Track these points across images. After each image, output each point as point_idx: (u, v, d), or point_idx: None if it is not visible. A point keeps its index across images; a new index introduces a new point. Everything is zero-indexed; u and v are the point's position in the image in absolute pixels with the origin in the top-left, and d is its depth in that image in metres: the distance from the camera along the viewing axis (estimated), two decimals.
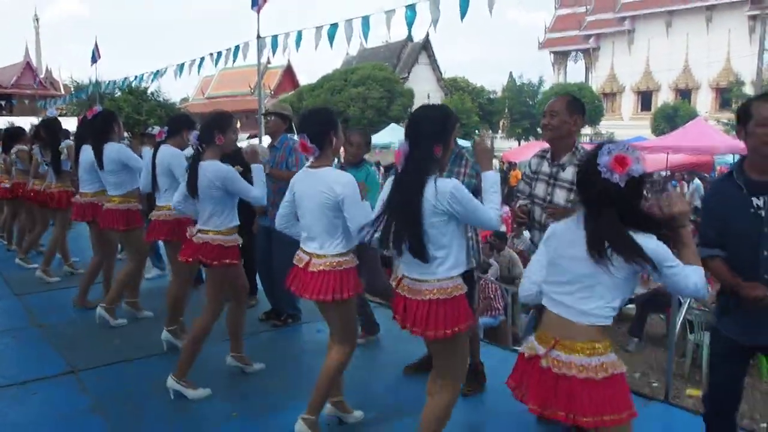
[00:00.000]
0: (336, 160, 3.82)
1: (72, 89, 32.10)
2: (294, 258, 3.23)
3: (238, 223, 3.82)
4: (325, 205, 3.01)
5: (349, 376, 3.40)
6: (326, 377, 3.11)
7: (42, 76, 39.40)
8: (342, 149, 4.12)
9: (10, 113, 32.59)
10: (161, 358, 4.38)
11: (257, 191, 3.73)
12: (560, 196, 3.15)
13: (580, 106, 3.23)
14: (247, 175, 3.81)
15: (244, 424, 3.44)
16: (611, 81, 40.41)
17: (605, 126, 34.00)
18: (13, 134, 7.99)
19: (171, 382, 3.68)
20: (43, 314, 5.36)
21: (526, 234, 7.91)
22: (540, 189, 3.25)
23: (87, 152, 5.13)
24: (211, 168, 3.61)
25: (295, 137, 3.93)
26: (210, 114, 3.88)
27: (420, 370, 3.86)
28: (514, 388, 2.37)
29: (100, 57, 15.89)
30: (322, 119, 3.16)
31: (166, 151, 4.40)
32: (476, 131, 35.82)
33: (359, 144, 4.45)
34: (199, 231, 3.72)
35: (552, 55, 44.15)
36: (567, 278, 2.27)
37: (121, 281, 4.99)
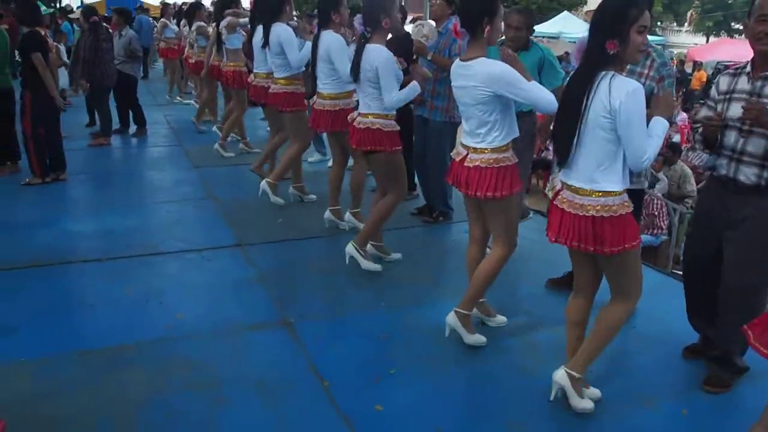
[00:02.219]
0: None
1: None
2: (452, 151, 3.22)
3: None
4: (479, 99, 2.89)
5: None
6: (484, 275, 3.11)
7: None
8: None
9: None
10: (319, 240, 4.65)
11: (392, 96, 3.69)
12: None
13: None
14: (408, 69, 3.79)
15: (389, 315, 3.59)
16: None
17: None
18: (193, 10, 8.43)
19: (350, 248, 3.96)
20: (216, 187, 5.87)
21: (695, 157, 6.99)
22: (736, 110, 2.74)
23: (259, 33, 5.27)
24: (374, 53, 3.67)
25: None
26: None
27: (562, 286, 3.74)
28: None
29: None
30: (479, 2, 2.93)
31: (327, 37, 4.34)
32: (659, 23, 32.16)
33: (518, 26, 4.01)
34: (360, 114, 3.84)
35: None
36: None
37: (285, 161, 5.23)
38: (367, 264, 3.97)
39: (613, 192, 2.41)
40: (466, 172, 3.01)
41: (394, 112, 3.90)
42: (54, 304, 3.59)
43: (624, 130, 2.31)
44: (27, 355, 3.03)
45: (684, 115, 13.19)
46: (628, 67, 3.08)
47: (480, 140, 2.99)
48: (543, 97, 2.82)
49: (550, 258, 4.11)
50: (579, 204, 2.44)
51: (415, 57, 4.68)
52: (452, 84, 3.12)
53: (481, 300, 3.33)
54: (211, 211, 5.27)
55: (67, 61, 9.30)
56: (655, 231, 6.92)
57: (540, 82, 4.12)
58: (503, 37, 4.06)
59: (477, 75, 2.88)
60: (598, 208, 2.40)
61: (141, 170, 6.71)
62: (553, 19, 24.77)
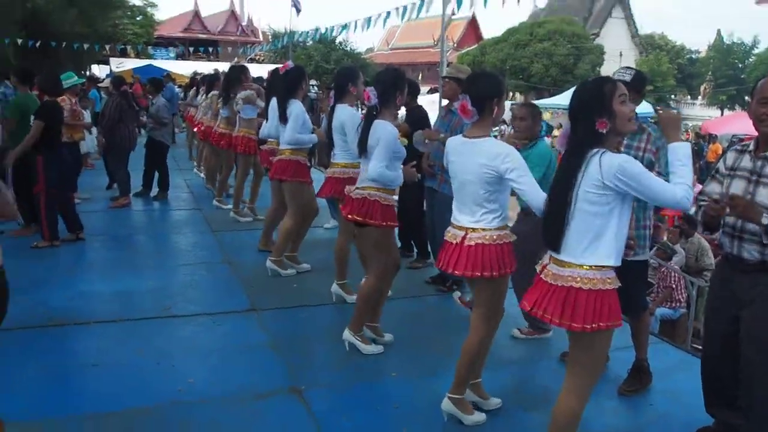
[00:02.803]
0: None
1: (270, 37, 34.44)
2: (446, 234, 3.16)
3: (399, 184, 3.85)
4: (485, 178, 2.89)
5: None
6: (468, 356, 3.05)
7: (244, 23, 42.62)
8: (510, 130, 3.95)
9: (216, 58, 35.89)
10: (333, 306, 4.64)
11: (378, 166, 3.63)
12: (765, 196, 2.67)
13: None
14: (408, 143, 3.88)
15: (402, 385, 3.54)
16: None
17: None
18: (212, 80, 8.78)
19: (347, 334, 3.87)
20: (233, 252, 5.93)
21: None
22: (737, 187, 2.78)
23: (274, 104, 5.45)
24: (380, 128, 3.66)
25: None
26: (389, 71, 3.93)
27: None
28: None
29: (301, 9, 16.94)
30: (488, 83, 3.00)
31: (342, 110, 4.44)
32: (672, 96, 32.70)
33: (523, 116, 4.07)
34: (358, 188, 3.80)
35: None
36: None
37: (282, 236, 5.22)
38: (368, 349, 3.87)
39: (595, 266, 2.39)
40: (466, 251, 2.96)
41: (396, 188, 3.87)
42: (66, 365, 3.60)
43: (637, 185, 2.31)
44: (37, 417, 3.01)
45: (699, 186, 13.17)
46: (625, 142, 3.16)
47: (477, 220, 2.98)
48: (538, 193, 2.80)
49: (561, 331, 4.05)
50: (560, 275, 2.43)
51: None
52: (450, 159, 3.11)
53: (476, 381, 3.24)
54: (226, 275, 5.32)
55: (92, 123, 9.64)
56: (674, 304, 6.82)
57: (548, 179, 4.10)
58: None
59: (484, 153, 2.89)
60: (577, 279, 2.38)
61: (159, 233, 6.82)
62: (567, 92, 25.34)
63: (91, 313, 4.31)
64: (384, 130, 3.66)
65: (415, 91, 5.54)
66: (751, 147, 2.82)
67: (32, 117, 5.80)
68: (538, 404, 3.31)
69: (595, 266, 2.38)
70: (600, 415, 2.76)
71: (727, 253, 2.85)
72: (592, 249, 2.39)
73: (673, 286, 6.80)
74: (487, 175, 2.88)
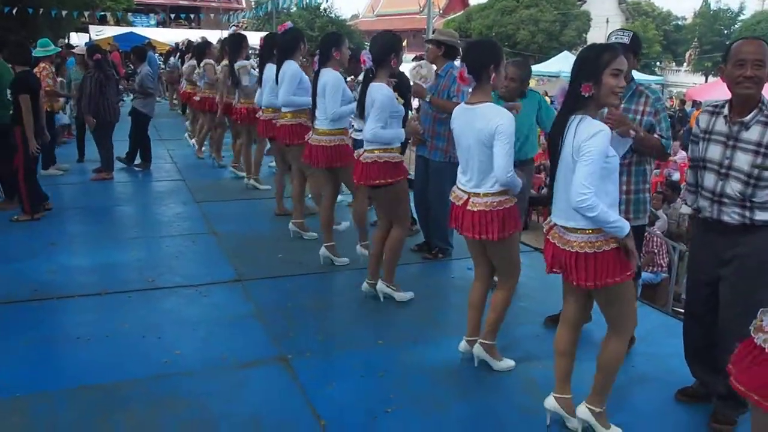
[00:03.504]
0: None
1: (253, 4, 33.77)
2: (450, 194, 3.28)
3: (401, 141, 3.99)
4: (484, 142, 2.98)
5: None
6: (501, 304, 3.25)
7: None
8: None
9: (198, 26, 35.18)
10: (319, 275, 4.65)
11: (373, 128, 3.78)
12: (743, 161, 2.69)
13: None
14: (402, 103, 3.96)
15: (387, 352, 3.56)
16: None
17: None
18: (203, 48, 8.60)
19: (381, 285, 4.10)
20: (218, 222, 5.89)
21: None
22: (715, 152, 2.80)
23: (270, 70, 5.37)
24: (375, 90, 3.77)
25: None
26: (385, 35, 3.99)
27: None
28: None
29: None
30: (485, 51, 3.10)
31: (325, 73, 4.42)
32: (657, 63, 32.64)
33: (513, 77, 4.06)
34: (366, 150, 3.89)
35: None
36: None
37: (296, 200, 5.31)
38: (400, 295, 4.13)
39: (596, 229, 2.47)
40: (470, 217, 3.08)
41: (399, 145, 3.97)
42: (51, 338, 3.58)
43: (582, 163, 2.38)
44: (23, 391, 3.01)
45: (683, 153, 13.27)
46: (623, 105, 3.16)
47: (478, 184, 3.08)
48: (506, 165, 2.94)
49: (546, 296, 4.11)
50: (566, 240, 2.54)
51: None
52: (453, 126, 3.20)
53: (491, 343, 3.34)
54: (211, 246, 5.29)
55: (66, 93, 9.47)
56: (655, 269, 6.90)
57: (539, 122, 4.22)
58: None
59: (481, 116, 2.99)
60: (582, 244, 2.49)
61: (142, 204, 6.75)
62: (553, 59, 25.22)
63: (74, 287, 4.28)
64: (379, 92, 3.75)
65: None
66: (725, 111, 2.81)
67: (8, 90, 5.65)
68: (518, 367, 3.37)
69: (595, 229, 2.47)
70: (582, 378, 2.81)
71: (706, 217, 2.87)
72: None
73: (655, 251, 6.88)
74: (485, 138, 2.97)
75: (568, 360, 2.78)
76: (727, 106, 2.82)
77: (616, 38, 3.26)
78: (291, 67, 4.99)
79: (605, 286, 2.50)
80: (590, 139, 2.36)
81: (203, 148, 8.96)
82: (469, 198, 3.10)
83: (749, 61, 2.64)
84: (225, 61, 7.35)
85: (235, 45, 6.98)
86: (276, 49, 5.29)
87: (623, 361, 2.73)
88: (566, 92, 2.56)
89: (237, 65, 6.71)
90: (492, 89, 3.15)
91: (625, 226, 2.44)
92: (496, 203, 3.04)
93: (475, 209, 3.06)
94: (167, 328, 3.75)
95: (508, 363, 3.33)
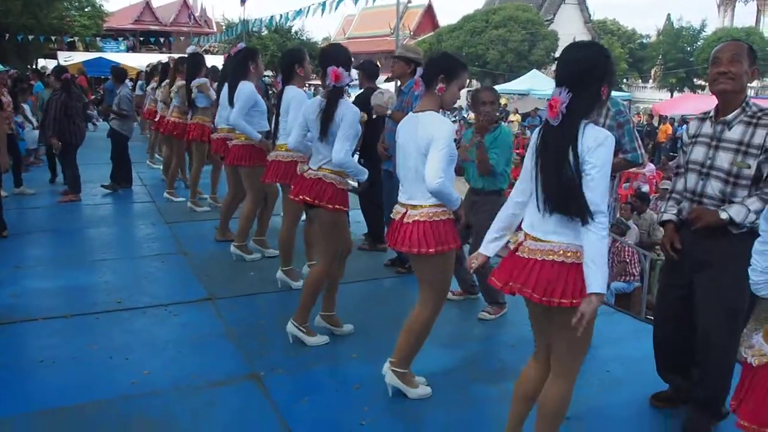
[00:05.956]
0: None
1: (224, 27, 33.81)
2: (392, 212, 3.14)
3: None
4: (421, 149, 2.87)
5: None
6: (415, 335, 3.08)
7: (197, 14, 41.75)
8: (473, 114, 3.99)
9: (169, 50, 35.06)
10: (291, 293, 4.57)
11: (343, 151, 3.44)
12: (724, 159, 2.73)
13: (755, 56, 2.83)
14: (368, 124, 3.84)
15: (362, 366, 3.53)
16: None
17: None
18: (165, 68, 8.56)
19: (290, 326, 3.73)
20: (188, 242, 5.81)
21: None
22: (698, 153, 2.85)
23: (225, 89, 5.33)
24: (344, 107, 3.50)
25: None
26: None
27: None
28: None
29: None
30: (439, 60, 2.99)
31: (288, 91, 4.33)
32: (624, 80, 33.32)
33: (492, 100, 4.08)
34: (312, 169, 3.64)
35: None
36: None
37: (243, 221, 5.17)
38: (312, 340, 3.73)
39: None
40: (405, 229, 2.95)
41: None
42: (14, 362, 3.46)
43: (596, 172, 2.13)
44: None
45: (652, 166, 13.52)
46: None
47: (412, 196, 2.97)
48: (436, 170, 2.75)
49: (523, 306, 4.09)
50: (544, 250, 2.23)
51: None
52: (398, 135, 3.07)
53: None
54: (181, 266, 5.20)
55: (33, 119, 9.35)
56: (628, 278, 6.98)
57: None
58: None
59: (423, 125, 2.89)
60: (569, 254, 2.19)
61: (111, 226, 6.61)
62: (522, 77, 25.63)
63: (39, 310, 4.16)
64: (348, 110, 3.49)
65: (372, 74, 5.48)
66: (712, 113, 2.88)
67: None
68: (495, 378, 3.35)
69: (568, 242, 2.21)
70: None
71: (686, 219, 2.87)
72: (573, 225, 2.19)
73: (627, 260, 6.96)
74: (423, 145, 2.86)
75: (526, 407, 2.55)
76: (713, 109, 2.89)
77: None
78: (245, 88, 4.88)
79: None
80: (609, 146, 2.18)
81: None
82: (406, 211, 2.99)
83: (723, 58, 2.73)
84: (180, 81, 7.22)
85: (194, 65, 6.92)
86: (229, 70, 5.21)
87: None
88: (571, 100, 2.17)
89: (196, 83, 6.65)
90: (441, 103, 2.98)
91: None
92: (432, 214, 2.91)
93: (410, 221, 2.94)
94: (136, 348, 3.65)
95: (424, 390, 3.16)
